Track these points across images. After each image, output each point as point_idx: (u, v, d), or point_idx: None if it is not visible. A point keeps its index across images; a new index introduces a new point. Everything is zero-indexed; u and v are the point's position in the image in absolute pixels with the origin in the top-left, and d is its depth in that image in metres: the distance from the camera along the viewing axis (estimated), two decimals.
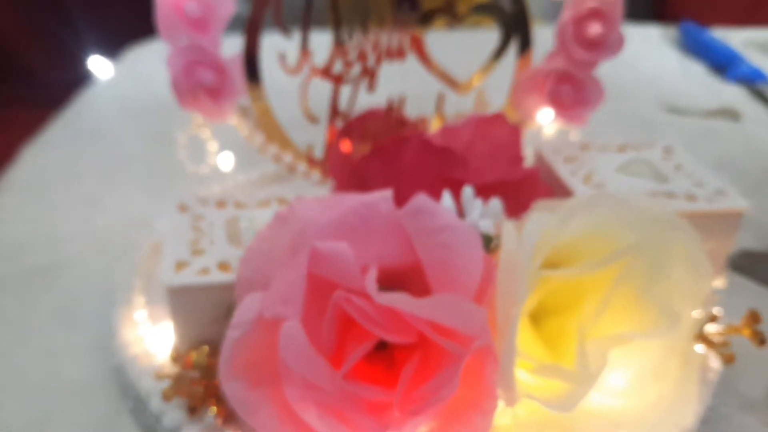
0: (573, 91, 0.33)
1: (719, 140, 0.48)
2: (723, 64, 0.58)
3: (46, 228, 0.34)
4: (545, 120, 0.35)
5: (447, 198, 0.23)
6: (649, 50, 0.63)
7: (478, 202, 0.23)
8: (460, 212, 0.23)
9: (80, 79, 1.07)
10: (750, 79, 0.56)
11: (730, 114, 0.51)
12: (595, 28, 0.32)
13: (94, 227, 0.33)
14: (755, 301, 0.33)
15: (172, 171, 0.36)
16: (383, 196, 0.22)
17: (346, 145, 0.35)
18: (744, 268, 0.34)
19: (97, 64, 0.53)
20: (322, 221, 0.22)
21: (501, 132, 0.26)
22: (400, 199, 0.22)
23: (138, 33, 0.61)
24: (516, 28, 0.34)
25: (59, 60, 1.08)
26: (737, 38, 0.66)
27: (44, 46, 1.10)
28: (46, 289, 0.30)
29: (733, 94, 0.55)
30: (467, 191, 0.23)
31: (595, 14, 0.32)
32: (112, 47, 0.96)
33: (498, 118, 0.27)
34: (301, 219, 0.22)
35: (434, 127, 0.35)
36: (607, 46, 0.33)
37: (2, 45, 1.09)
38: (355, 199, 0.22)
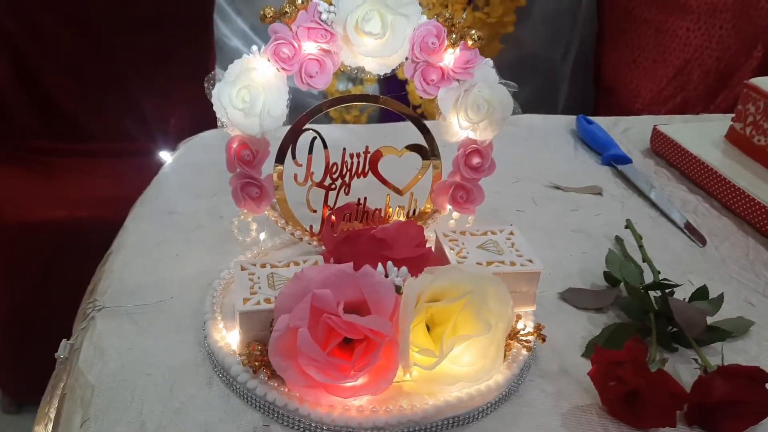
0: (465, 195, 0.57)
1: (583, 211, 0.71)
2: (601, 149, 0.82)
3: (150, 277, 0.57)
4: (449, 210, 0.58)
5: (380, 267, 0.46)
6: (554, 137, 0.87)
7: (395, 269, 0.46)
8: (386, 274, 0.46)
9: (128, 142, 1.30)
10: (617, 161, 0.80)
11: (595, 190, 0.74)
12: (476, 160, 0.56)
13: (183, 275, 0.56)
14: (574, 318, 0.56)
15: (228, 239, 0.59)
16: (348, 266, 0.45)
17: (333, 219, 0.58)
18: (569, 299, 0.57)
19: (162, 155, 0.77)
20: (318, 279, 0.45)
21: (412, 229, 0.50)
22: (358, 266, 0.45)
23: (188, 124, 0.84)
24: (431, 158, 0.57)
25: (115, 130, 1.31)
26: (620, 127, 0.90)
27: (101, 116, 1.31)
28: (159, 314, 0.53)
29: (603, 174, 0.79)
30: (390, 264, 0.46)
31: (476, 152, 0.56)
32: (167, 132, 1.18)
33: (411, 223, 0.50)
34: (307, 277, 0.45)
35: (386, 213, 0.58)
36: (484, 170, 0.56)
37: (58, 106, 1.30)
38: (334, 267, 0.45)
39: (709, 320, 0.53)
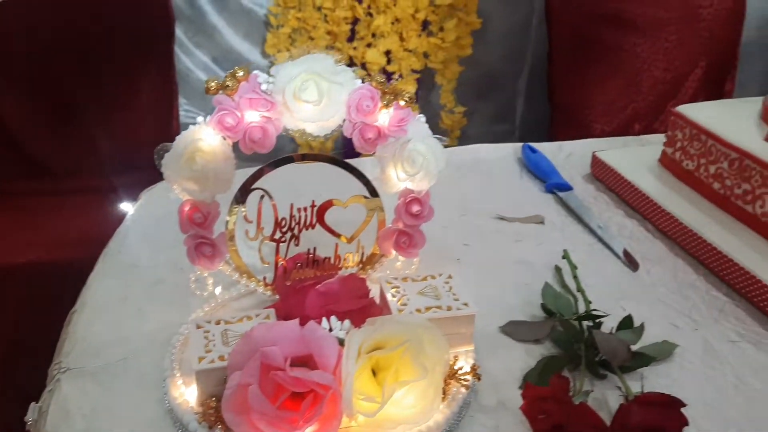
0: (407, 240, 0.61)
1: (526, 241, 0.76)
2: (544, 176, 0.87)
3: (113, 335, 0.59)
4: (395, 254, 0.62)
5: (324, 322, 0.50)
6: (501, 167, 0.91)
7: (338, 323, 0.49)
8: (330, 328, 0.50)
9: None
10: (559, 189, 0.84)
11: (538, 219, 0.79)
12: (416, 208, 0.60)
13: (145, 331, 0.59)
14: (513, 351, 0.60)
15: (186, 293, 0.62)
16: (294, 323, 0.49)
17: (285, 265, 0.62)
18: (509, 332, 0.62)
19: (123, 206, 0.80)
20: (267, 337, 0.48)
21: (355, 282, 0.54)
22: (305, 320, 0.49)
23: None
24: (375, 208, 0.61)
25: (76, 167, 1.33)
26: (564, 152, 0.95)
27: (63, 152, 1.33)
28: (122, 373, 0.55)
29: (546, 202, 0.83)
30: (333, 319, 0.49)
31: (415, 200, 0.60)
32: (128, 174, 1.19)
33: (353, 276, 0.54)
34: (256, 336, 0.49)
35: (335, 260, 0.62)
36: (423, 216, 0.60)
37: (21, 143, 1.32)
38: (280, 325, 0.49)
39: (635, 346, 0.58)
